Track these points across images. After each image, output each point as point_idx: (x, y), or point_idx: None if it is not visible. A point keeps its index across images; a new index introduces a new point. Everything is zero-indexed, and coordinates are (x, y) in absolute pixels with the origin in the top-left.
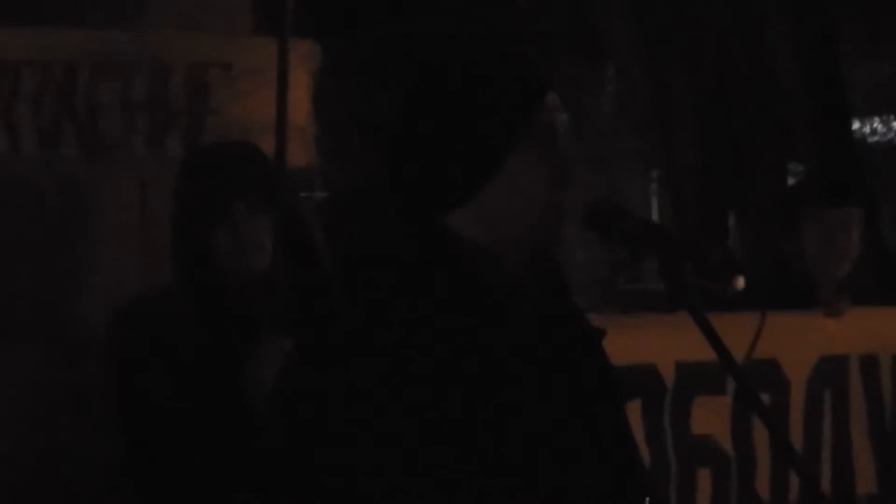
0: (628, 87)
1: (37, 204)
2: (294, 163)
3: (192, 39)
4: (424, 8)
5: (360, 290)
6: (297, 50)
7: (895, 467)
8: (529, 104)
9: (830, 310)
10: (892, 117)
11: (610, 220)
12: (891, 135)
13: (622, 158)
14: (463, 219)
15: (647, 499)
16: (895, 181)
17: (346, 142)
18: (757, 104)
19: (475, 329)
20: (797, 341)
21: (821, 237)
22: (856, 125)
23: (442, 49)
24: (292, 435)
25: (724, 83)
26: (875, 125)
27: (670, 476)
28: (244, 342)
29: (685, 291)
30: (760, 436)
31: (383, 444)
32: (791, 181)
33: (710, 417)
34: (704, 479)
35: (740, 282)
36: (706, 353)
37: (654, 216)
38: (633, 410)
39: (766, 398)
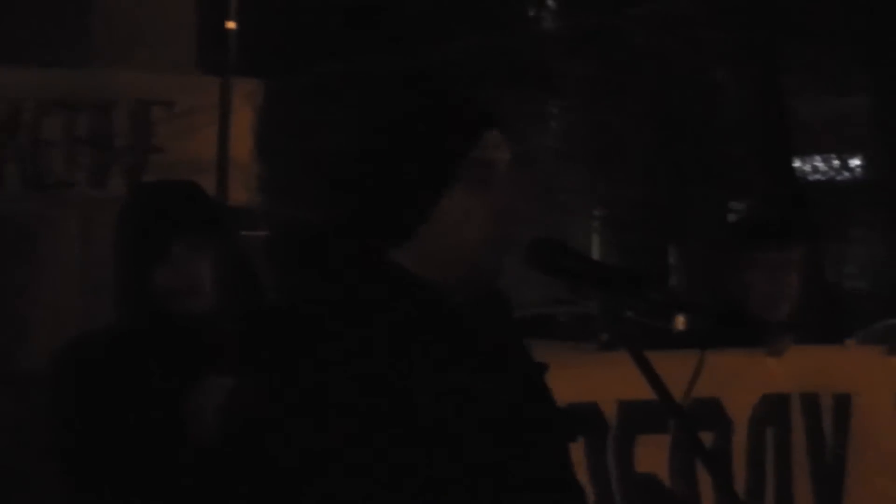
0: (572, 123)
1: None
2: (237, 200)
3: (136, 78)
4: (369, 47)
5: (307, 327)
6: (240, 88)
7: None
8: (469, 141)
9: (772, 348)
10: (833, 155)
11: (552, 257)
12: (832, 173)
13: (565, 195)
14: (406, 255)
15: None
16: (836, 219)
17: (290, 179)
18: (699, 142)
19: (423, 362)
20: (739, 380)
21: (763, 279)
22: (797, 163)
23: (385, 88)
24: (239, 470)
25: (667, 121)
26: (816, 163)
27: None
28: (186, 380)
29: (626, 329)
30: (704, 473)
31: (332, 474)
32: (732, 218)
33: (654, 455)
34: None
35: (681, 320)
36: (648, 392)
37: (596, 252)
38: (577, 449)
39: (708, 437)
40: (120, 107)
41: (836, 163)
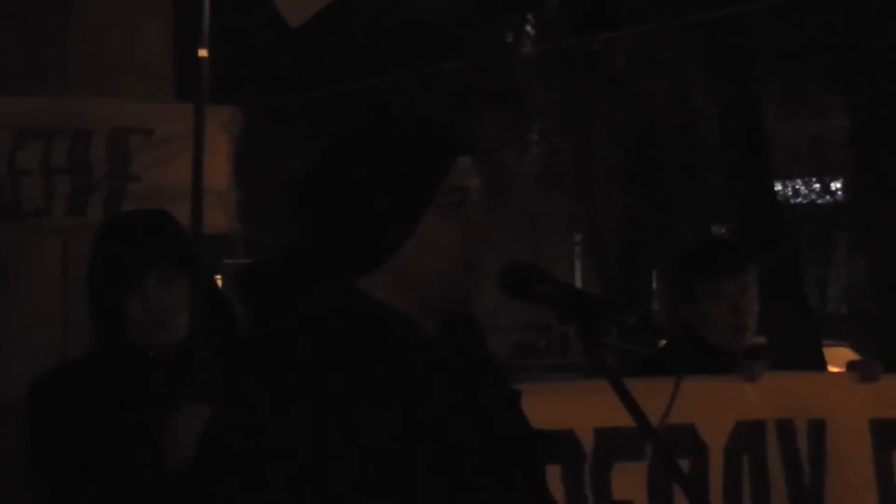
0: (552, 149)
1: None
2: (215, 228)
3: (113, 106)
4: (345, 73)
5: (282, 354)
6: (217, 115)
7: None
8: (442, 169)
9: (747, 375)
10: (813, 179)
11: (527, 283)
12: (812, 195)
13: (546, 220)
14: (376, 284)
15: None
16: (816, 242)
17: (267, 207)
18: (679, 166)
19: (396, 390)
20: (714, 406)
21: (720, 308)
22: (777, 186)
23: (357, 115)
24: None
25: (646, 145)
26: (797, 186)
27: None
28: (161, 409)
29: (603, 354)
30: (680, 500)
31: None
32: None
33: (631, 482)
34: None
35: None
36: (624, 419)
37: (578, 278)
38: (554, 476)
39: (684, 463)
40: (98, 135)
41: (816, 186)
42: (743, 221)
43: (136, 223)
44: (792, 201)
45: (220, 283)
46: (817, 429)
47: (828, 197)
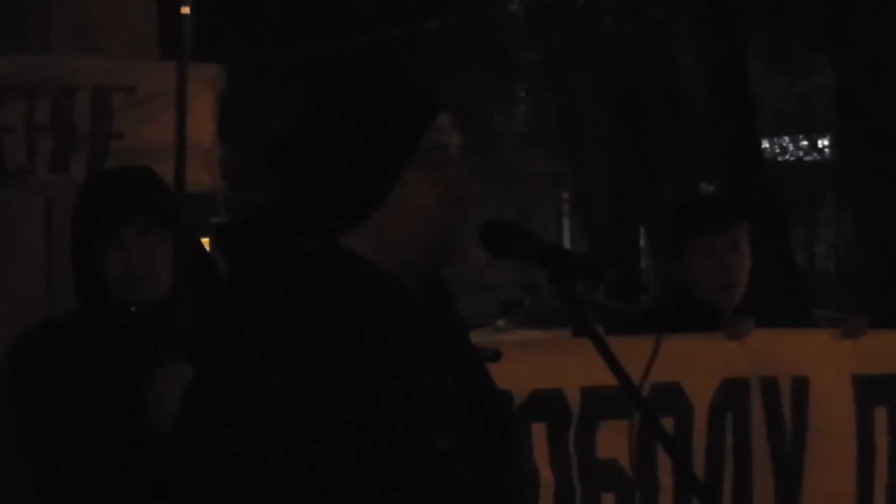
0: (538, 108)
1: None
2: (199, 186)
3: (97, 64)
4: (329, 31)
5: (256, 311)
6: (201, 73)
7: (795, 490)
8: (422, 126)
9: (732, 333)
10: (801, 136)
11: (505, 239)
12: (800, 153)
13: (533, 179)
14: (358, 240)
15: None
16: (804, 199)
17: (250, 165)
18: (666, 124)
19: (379, 349)
20: (699, 365)
21: (708, 265)
22: (765, 144)
23: (337, 72)
24: (197, 462)
25: (634, 103)
26: (785, 143)
27: (575, 500)
28: (144, 367)
29: (581, 311)
30: (664, 460)
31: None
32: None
33: (615, 441)
34: (609, 503)
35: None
36: (611, 378)
37: (567, 237)
38: (538, 434)
39: (669, 422)
40: (81, 93)
41: (804, 143)
42: (730, 179)
43: (117, 178)
44: (779, 159)
45: (206, 242)
46: (800, 385)
47: (815, 155)
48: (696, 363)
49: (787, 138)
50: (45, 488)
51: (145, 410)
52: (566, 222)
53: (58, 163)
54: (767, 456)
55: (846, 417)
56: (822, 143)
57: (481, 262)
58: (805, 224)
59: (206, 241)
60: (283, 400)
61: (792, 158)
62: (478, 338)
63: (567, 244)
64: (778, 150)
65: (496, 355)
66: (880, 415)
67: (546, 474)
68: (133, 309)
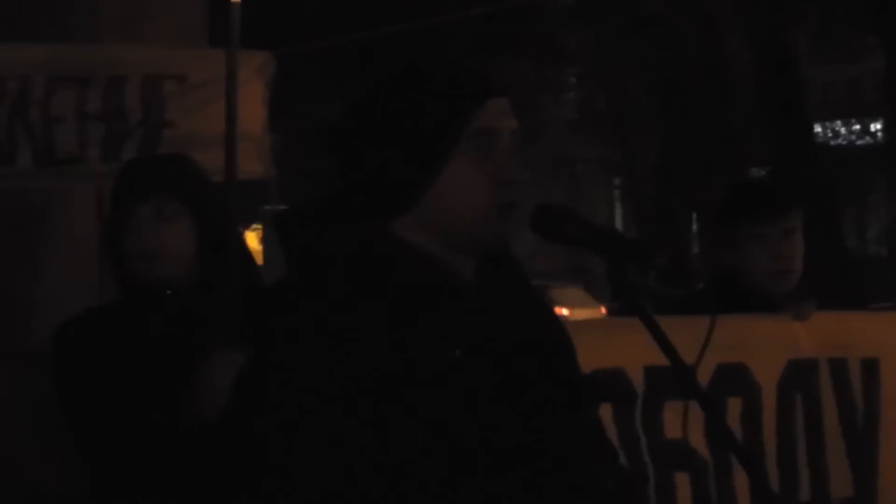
0: (588, 94)
1: None
2: (250, 174)
3: (147, 52)
4: (380, 16)
5: (315, 298)
6: (251, 61)
7: (869, 470)
8: (471, 110)
9: (796, 314)
10: (852, 120)
11: (557, 224)
12: (852, 137)
13: (585, 164)
14: (408, 226)
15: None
16: (856, 183)
17: (300, 152)
18: (717, 109)
19: (430, 333)
20: (765, 345)
21: (760, 252)
22: (816, 128)
23: (388, 59)
24: (248, 449)
25: (685, 89)
26: (836, 128)
27: (649, 480)
28: (192, 353)
29: (632, 294)
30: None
31: (339, 452)
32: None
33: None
34: (683, 482)
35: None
36: None
37: (618, 222)
38: (605, 415)
39: (737, 402)
40: (131, 81)
41: (855, 127)
42: (781, 164)
43: (138, 162)
44: (831, 143)
45: (260, 228)
46: (871, 367)
47: (867, 138)
48: (760, 344)
49: (838, 122)
50: (98, 482)
51: (193, 400)
52: (617, 209)
53: (109, 151)
54: (840, 436)
55: None
56: (874, 126)
57: (531, 248)
58: (856, 208)
59: (254, 228)
60: (337, 381)
61: (843, 142)
62: None
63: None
64: (830, 135)
65: (566, 340)
66: None
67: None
68: (168, 292)
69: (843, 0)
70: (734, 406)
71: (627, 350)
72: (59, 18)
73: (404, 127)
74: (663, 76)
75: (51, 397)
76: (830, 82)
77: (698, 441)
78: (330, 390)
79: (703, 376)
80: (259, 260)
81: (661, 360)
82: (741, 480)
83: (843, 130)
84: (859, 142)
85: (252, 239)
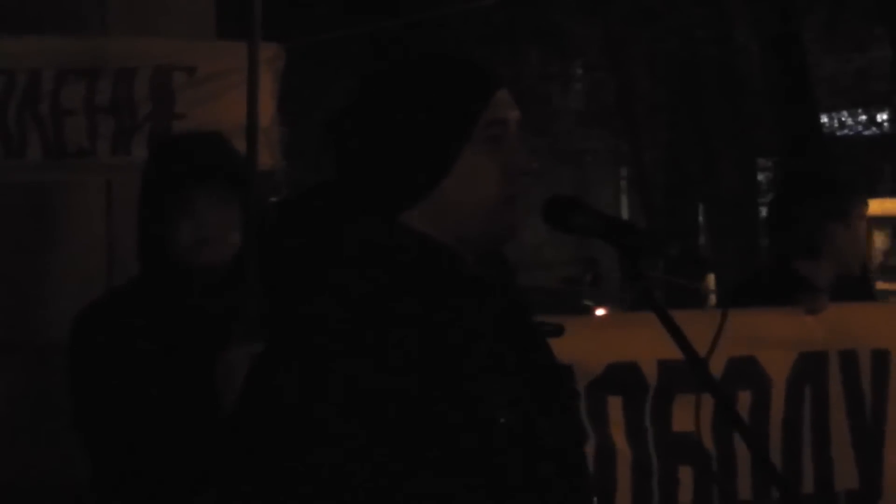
0: (596, 84)
1: (3, 210)
2: (260, 165)
3: (156, 43)
4: (387, 8)
5: (327, 289)
6: (261, 53)
7: (876, 463)
8: (481, 101)
9: (809, 307)
10: (859, 110)
11: (568, 214)
12: (858, 127)
13: (592, 156)
14: (417, 217)
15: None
16: (864, 173)
17: (311, 144)
18: (723, 100)
19: (439, 323)
20: (777, 338)
21: (853, 234)
22: (823, 118)
23: (394, 50)
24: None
25: (692, 80)
26: (843, 118)
27: (652, 472)
28: (212, 341)
29: (645, 285)
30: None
31: (350, 448)
32: (760, 176)
33: (692, 414)
34: (686, 475)
35: (711, 279)
36: None
37: (625, 213)
38: (615, 407)
39: (746, 395)
40: (140, 73)
41: (862, 117)
42: (788, 155)
43: (189, 144)
44: (837, 133)
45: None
46: (881, 358)
47: (873, 129)
48: (772, 337)
49: (844, 112)
50: (103, 479)
51: (217, 391)
52: (624, 199)
53: (119, 144)
54: (847, 430)
55: None
56: (881, 117)
57: (539, 239)
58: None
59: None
60: (345, 371)
61: (850, 132)
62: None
63: None
64: (836, 125)
65: (559, 329)
66: None
67: (623, 447)
68: (199, 276)
69: None
70: (744, 399)
71: (642, 343)
72: (68, 11)
73: (414, 120)
74: (671, 67)
75: (60, 389)
76: (836, 72)
77: (705, 434)
78: (331, 376)
79: (715, 369)
80: None
81: (674, 353)
82: (744, 475)
83: (849, 120)
84: (865, 132)
85: None
